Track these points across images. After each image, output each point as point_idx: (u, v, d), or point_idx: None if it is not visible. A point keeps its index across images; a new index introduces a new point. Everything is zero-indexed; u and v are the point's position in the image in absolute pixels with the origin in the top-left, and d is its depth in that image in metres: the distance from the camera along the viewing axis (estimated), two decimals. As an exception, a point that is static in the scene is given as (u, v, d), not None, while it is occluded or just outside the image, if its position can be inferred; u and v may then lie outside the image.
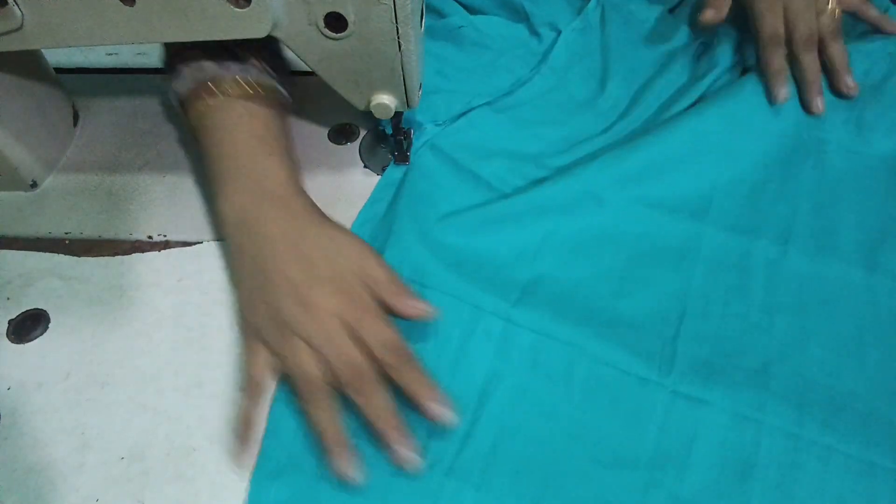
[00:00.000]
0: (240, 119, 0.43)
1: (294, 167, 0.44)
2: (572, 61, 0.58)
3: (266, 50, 0.47)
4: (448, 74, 0.56)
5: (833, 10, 0.50)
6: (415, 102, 0.44)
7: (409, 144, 0.51)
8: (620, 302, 0.42)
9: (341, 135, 0.54)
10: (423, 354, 0.38)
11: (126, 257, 0.47)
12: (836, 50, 0.49)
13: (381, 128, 0.53)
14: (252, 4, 0.37)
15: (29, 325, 0.43)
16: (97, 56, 0.62)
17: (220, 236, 0.47)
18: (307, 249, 0.38)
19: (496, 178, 0.49)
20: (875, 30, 0.53)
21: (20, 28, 0.38)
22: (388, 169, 0.51)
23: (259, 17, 0.37)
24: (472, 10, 0.60)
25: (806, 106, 0.50)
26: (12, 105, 0.47)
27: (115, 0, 0.37)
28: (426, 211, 0.46)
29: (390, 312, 0.38)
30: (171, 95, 0.47)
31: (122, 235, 0.48)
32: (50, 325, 0.43)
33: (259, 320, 0.38)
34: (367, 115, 0.45)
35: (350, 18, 0.38)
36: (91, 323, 0.43)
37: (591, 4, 0.59)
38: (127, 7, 0.37)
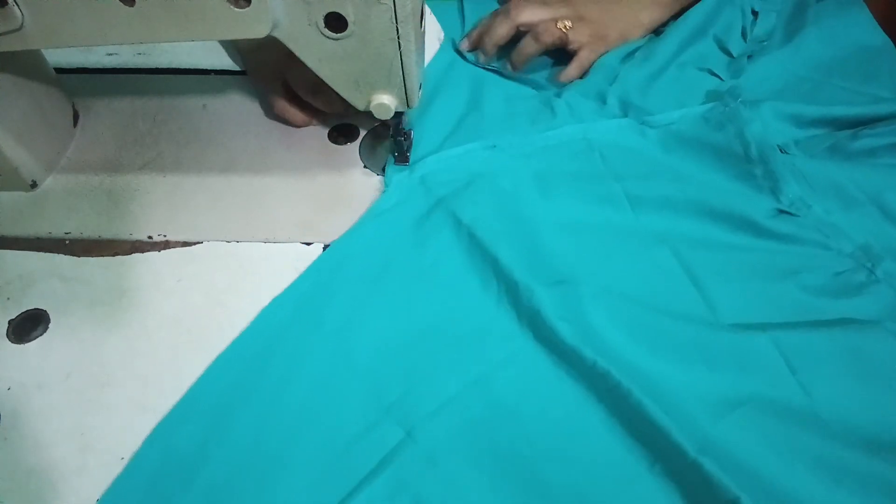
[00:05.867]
0: None
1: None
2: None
3: None
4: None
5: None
6: (415, 102, 0.44)
7: (410, 145, 0.51)
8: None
9: (341, 135, 0.54)
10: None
11: (126, 257, 0.47)
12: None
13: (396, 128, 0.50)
14: (252, 4, 0.37)
15: (29, 326, 0.43)
16: (97, 56, 0.61)
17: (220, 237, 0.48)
18: None
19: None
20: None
21: (20, 28, 0.38)
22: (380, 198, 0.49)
23: (259, 17, 0.37)
24: None
25: None
26: (12, 105, 0.47)
27: (115, 0, 0.37)
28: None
29: None
30: None
31: (122, 235, 0.48)
32: (50, 326, 0.43)
33: None
34: (367, 115, 0.45)
35: (350, 18, 0.38)
36: (91, 323, 0.43)
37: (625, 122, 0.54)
38: (127, 7, 0.37)
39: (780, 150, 0.50)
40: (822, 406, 0.38)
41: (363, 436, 0.38)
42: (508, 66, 0.57)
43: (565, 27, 0.55)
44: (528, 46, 0.56)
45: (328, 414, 0.39)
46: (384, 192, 0.49)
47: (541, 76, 0.58)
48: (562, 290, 0.42)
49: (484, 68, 0.58)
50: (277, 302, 0.43)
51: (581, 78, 0.57)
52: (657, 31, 0.60)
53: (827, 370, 0.39)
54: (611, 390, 0.38)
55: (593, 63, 0.57)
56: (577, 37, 0.56)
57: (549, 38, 0.55)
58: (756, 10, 0.59)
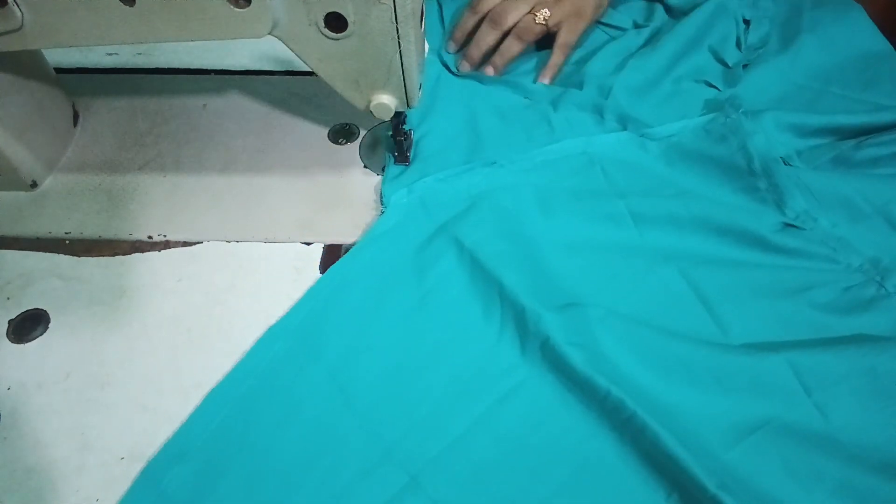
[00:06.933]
0: None
1: None
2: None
3: None
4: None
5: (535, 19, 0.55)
6: (415, 102, 0.44)
7: (410, 145, 0.51)
8: None
9: (341, 135, 0.54)
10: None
11: (126, 257, 0.47)
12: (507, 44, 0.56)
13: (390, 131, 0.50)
14: (252, 4, 0.37)
15: (29, 325, 0.43)
16: (97, 56, 0.61)
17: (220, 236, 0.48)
18: None
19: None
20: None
21: (20, 28, 0.38)
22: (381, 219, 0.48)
23: (259, 17, 0.37)
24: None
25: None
26: (12, 105, 0.47)
27: (115, 0, 0.37)
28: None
29: None
30: None
31: (122, 235, 0.48)
32: (50, 325, 0.43)
33: None
34: (367, 115, 0.45)
35: (350, 18, 0.38)
36: (91, 323, 0.43)
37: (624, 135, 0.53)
38: (127, 7, 0.37)
39: (784, 162, 0.49)
40: (840, 428, 0.37)
41: (363, 478, 0.36)
42: (489, 69, 0.57)
43: (544, 18, 0.55)
44: (511, 48, 0.55)
45: (326, 454, 0.37)
46: (382, 213, 0.48)
47: (520, 75, 0.57)
48: (570, 314, 0.40)
49: (462, 76, 0.57)
50: (273, 333, 0.42)
51: (565, 58, 0.57)
52: (637, 25, 0.60)
53: (842, 390, 0.38)
54: (626, 421, 0.37)
55: (573, 44, 0.57)
56: (556, 17, 0.55)
57: (531, 36, 0.55)
58: (747, 18, 0.58)
